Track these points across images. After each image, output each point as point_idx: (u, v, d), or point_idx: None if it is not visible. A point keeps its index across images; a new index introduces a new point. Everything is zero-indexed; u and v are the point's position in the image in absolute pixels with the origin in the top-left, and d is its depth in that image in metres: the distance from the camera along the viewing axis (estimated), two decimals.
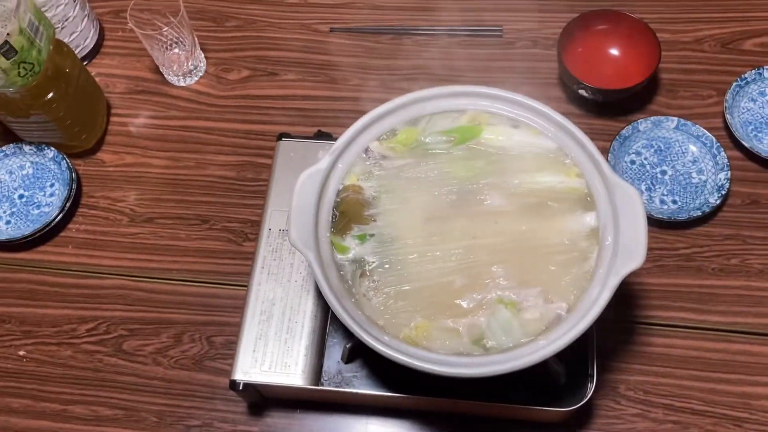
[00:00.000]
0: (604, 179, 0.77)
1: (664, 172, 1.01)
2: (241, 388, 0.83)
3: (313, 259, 0.74)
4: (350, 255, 0.77)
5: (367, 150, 0.82)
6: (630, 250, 0.72)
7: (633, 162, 1.02)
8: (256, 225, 0.97)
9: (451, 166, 0.81)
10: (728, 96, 1.03)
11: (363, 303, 0.74)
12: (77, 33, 1.12)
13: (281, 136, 0.97)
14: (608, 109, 1.07)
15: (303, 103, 1.11)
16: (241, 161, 1.07)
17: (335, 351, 0.86)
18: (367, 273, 0.76)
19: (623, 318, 0.93)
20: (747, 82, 1.05)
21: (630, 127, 1.01)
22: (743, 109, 1.05)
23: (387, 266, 0.76)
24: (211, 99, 1.12)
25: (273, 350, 0.84)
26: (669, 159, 1.02)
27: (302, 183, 0.78)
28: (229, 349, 0.92)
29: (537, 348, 0.70)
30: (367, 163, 0.81)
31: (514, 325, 0.72)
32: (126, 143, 1.10)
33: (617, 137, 1.01)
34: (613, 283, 0.71)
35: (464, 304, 0.74)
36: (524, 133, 0.82)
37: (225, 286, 0.99)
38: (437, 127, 0.83)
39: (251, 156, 1.07)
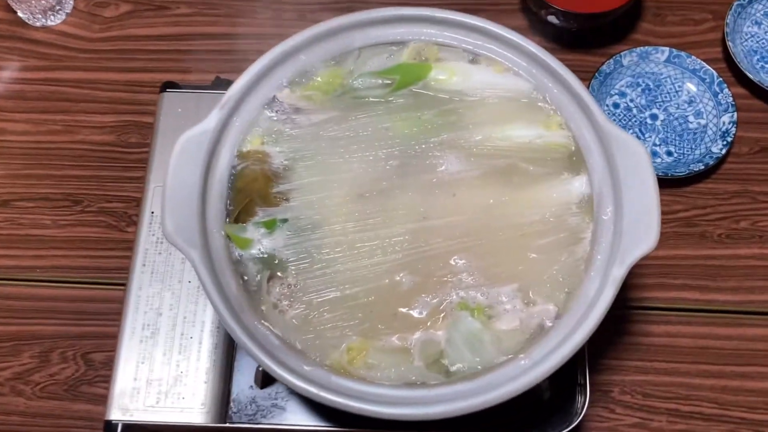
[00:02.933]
0: (596, 130, 0.57)
1: (654, 117, 0.82)
2: (119, 431, 0.61)
3: (199, 260, 0.52)
4: (254, 251, 0.55)
5: (273, 101, 0.59)
6: (638, 227, 0.53)
7: (616, 105, 0.83)
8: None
9: (389, 120, 0.59)
10: (728, 19, 0.84)
11: (273, 318, 0.53)
12: None
13: (166, 86, 0.74)
14: (583, 40, 0.87)
15: (200, 44, 0.88)
16: (121, 122, 0.84)
17: (246, 373, 0.64)
18: (279, 275, 0.54)
19: (613, 302, 0.74)
20: (750, 2, 0.85)
21: (611, 61, 0.82)
22: (746, 34, 0.86)
23: (306, 264, 0.55)
24: (82, 43, 0.89)
25: (161, 377, 0.63)
26: (660, 100, 0.83)
27: (181, 150, 0.55)
28: (112, 369, 0.69)
29: (518, 371, 0.51)
30: (275, 119, 0.59)
31: (485, 339, 0.52)
32: None
33: (596, 75, 0.81)
34: (618, 274, 0.52)
35: (415, 313, 0.53)
36: (486, 71, 0.61)
37: (105, 287, 0.76)
38: (369, 66, 0.61)
39: (135, 114, 0.84)
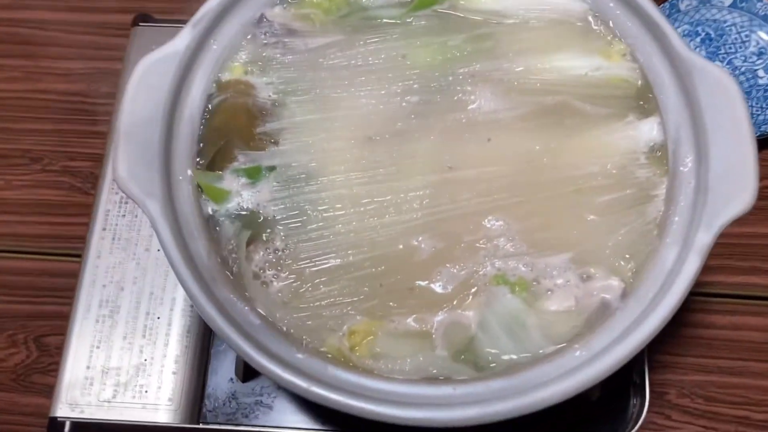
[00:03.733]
0: (672, 60, 0.44)
1: None
2: (67, 430, 0.50)
3: (159, 214, 0.40)
4: (231, 205, 0.43)
5: (261, 21, 0.47)
6: (728, 180, 0.41)
7: None
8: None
9: (407, 46, 0.47)
10: None
11: (254, 291, 0.41)
12: None
13: (139, 19, 0.61)
14: None
15: None
16: (91, 69, 0.72)
17: (226, 362, 0.52)
18: (263, 237, 0.42)
19: None
20: None
21: (666, 6, 0.70)
22: None
23: (298, 224, 0.43)
24: None
25: (120, 366, 0.51)
26: (723, 52, 0.70)
27: (142, 76, 0.43)
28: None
29: (571, 365, 0.38)
30: (263, 43, 0.47)
31: (528, 322, 0.40)
32: None
33: None
34: (704, 240, 0.40)
35: (437, 288, 0.41)
36: None
37: (64, 258, 0.65)
38: None
39: (107, 61, 0.73)
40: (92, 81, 0.71)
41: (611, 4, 0.47)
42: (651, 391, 0.59)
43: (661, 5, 0.70)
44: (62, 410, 0.50)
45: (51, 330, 0.62)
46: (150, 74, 0.43)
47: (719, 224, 0.40)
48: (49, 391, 0.61)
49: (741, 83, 0.69)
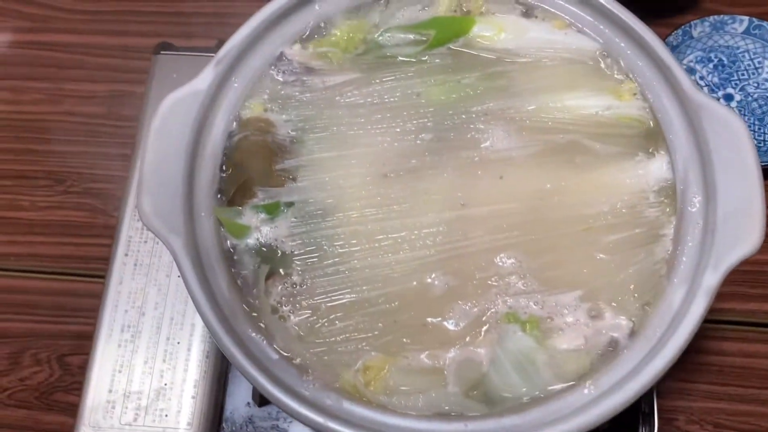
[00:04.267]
0: (681, 100, 0.45)
1: (729, 98, 0.70)
2: None
3: (181, 250, 0.41)
4: (251, 240, 0.44)
5: (280, 59, 0.48)
6: (736, 221, 0.42)
7: None
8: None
9: (422, 84, 0.48)
10: None
11: (273, 325, 0.42)
12: None
13: (160, 47, 0.63)
14: (646, 7, 0.74)
15: (203, 4, 0.76)
16: (113, 91, 0.74)
17: (243, 387, 0.54)
18: (281, 272, 0.43)
19: None
20: None
21: (679, 32, 0.70)
22: None
23: (314, 259, 0.44)
24: (71, 2, 0.79)
25: (142, 390, 0.53)
26: (736, 78, 0.71)
27: (166, 115, 0.45)
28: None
29: (581, 402, 0.39)
30: (282, 81, 0.48)
31: (539, 360, 0.41)
32: None
33: None
34: (711, 281, 0.41)
35: (450, 325, 0.42)
36: (543, 27, 0.49)
37: (87, 279, 0.67)
38: (398, 18, 0.50)
39: (128, 84, 0.74)
40: (114, 104, 0.73)
41: (622, 44, 0.48)
42: (660, 417, 0.59)
43: (674, 32, 0.71)
44: (84, 431, 0.52)
45: (73, 349, 0.64)
46: (174, 112, 0.45)
47: (726, 266, 0.41)
48: (70, 409, 0.63)
49: (754, 110, 0.70)
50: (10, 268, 0.67)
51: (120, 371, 0.53)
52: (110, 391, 0.53)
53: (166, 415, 0.52)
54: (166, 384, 0.53)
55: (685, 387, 0.61)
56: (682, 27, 0.71)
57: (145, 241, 0.56)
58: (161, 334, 0.54)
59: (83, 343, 0.64)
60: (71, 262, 0.67)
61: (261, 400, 0.53)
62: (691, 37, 0.71)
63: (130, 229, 0.57)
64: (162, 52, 0.63)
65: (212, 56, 0.62)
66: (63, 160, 0.71)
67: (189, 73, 0.62)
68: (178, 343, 0.54)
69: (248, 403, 0.54)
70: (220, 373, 0.54)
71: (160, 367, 0.53)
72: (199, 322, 0.54)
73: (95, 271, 0.66)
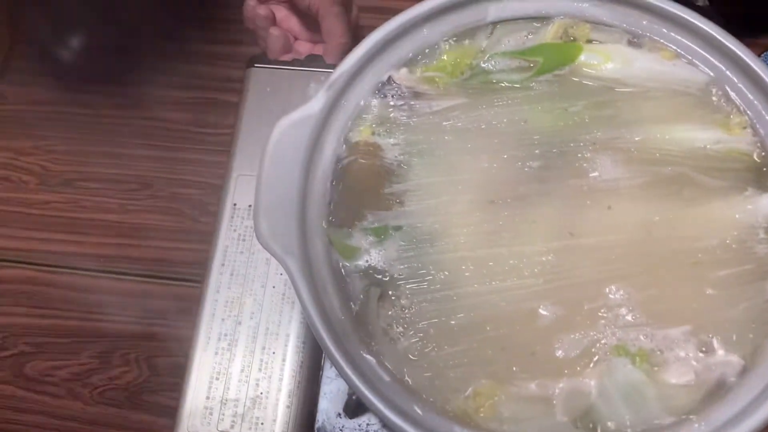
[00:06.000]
0: None
1: None
2: None
3: (296, 270, 0.43)
4: (361, 262, 0.45)
5: (388, 83, 0.49)
6: None
7: None
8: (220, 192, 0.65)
9: (529, 111, 0.48)
10: None
11: (384, 347, 0.43)
12: None
13: (253, 60, 0.64)
14: (738, 28, 0.73)
15: None
16: (201, 98, 0.75)
17: (334, 399, 0.55)
18: (391, 295, 0.45)
19: None
20: None
21: None
22: None
23: (424, 284, 0.45)
24: None
25: (238, 398, 0.54)
26: None
27: (279, 139, 0.46)
28: (178, 377, 0.60)
29: None
30: (389, 105, 0.49)
31: (648, 393, 0.41)
32: (37, 71, 0.76)
33: None
34: None
35: (558, 355, 0.43)
36: (650, 57, 0.49)
37: (174, 282, 0.68)
38: (504, 45, 0.50)
39: (216, 92, 0.76)
40: (200, 111, 0.74)
41: (732, 77, 0.48)
42: None
43: (765, 52, 0.70)
44: None
45: (161, 352, 0.66)
46: (288, 135, 0.46)
47: None
48: (158, 409, 0.65)
49: None
50: (99, 269, 0.69)
51: (217, 378, 0.55)
52: (207, 397, 0.54)
53: (262, 423, 0.53)
54: (261, 393, 0.54)
55: None
56: None
57: (241, 252, 0.58)
58: (257, 344, 0.55)
59: (171, 345, 0.66)
60: (157, 265, 0.69)
61: (353, 412, 0.54)
62: None
63: (226, 239, 0.58)
64: (255, 66, 0.64)
65: (305, 70, 0.64)
66: (151, 164, 0.73)
67: (282, 86, 0.64)
68: (273, 353, 0.55)
69: (339, 414, 0.55)
70: (312, 383, 0.55)
71: (255, 376, 0.55)
72: (293, 333, 0.55)
73: (181, 274, 0.68)
